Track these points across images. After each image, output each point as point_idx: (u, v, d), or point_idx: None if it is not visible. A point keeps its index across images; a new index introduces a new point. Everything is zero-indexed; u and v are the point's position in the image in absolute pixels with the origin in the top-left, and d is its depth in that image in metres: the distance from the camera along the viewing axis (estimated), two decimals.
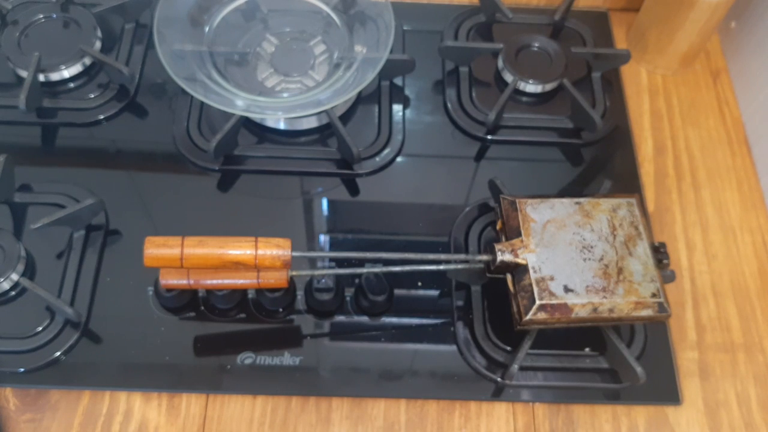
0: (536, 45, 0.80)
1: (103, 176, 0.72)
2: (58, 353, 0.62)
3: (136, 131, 0.76)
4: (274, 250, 0.57)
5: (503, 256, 0.59)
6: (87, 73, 0.78)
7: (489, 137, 0.77)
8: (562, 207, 0.62)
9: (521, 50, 0.80)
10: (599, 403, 0.63)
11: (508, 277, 0.60)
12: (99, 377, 0.62)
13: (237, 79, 0.76)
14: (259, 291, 0.63)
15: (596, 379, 0.63)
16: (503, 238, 0.62)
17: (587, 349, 0.64)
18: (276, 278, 0.59)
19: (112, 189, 0.71)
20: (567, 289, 0.58)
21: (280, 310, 0.65)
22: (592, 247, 0.60)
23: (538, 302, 0.57)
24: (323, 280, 0.64)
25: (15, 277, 0.64)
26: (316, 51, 0.79)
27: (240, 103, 0.71)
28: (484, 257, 0.60)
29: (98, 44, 0.79)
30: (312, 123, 0.75)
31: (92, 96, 0.77)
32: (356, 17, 0.79)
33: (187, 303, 0.65)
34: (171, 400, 0.61)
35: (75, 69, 0.77)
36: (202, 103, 0.73)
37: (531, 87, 0.78)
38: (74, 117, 0.76)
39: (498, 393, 0.62)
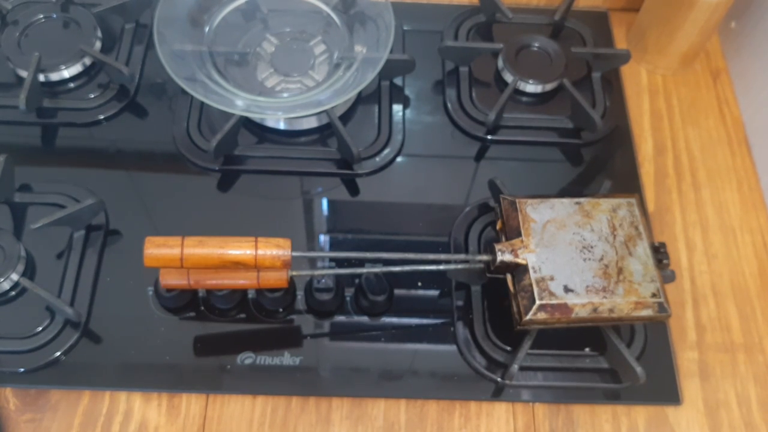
0: (536, 45, 0.80)
1: (103, 176, 0.72)
2: (58, 353, 0.62)
3: (136, 131, 0.76)
4: (274, 250, 0.57)
5: (503, 256, 0.59)
6: (87, 73, 0.78)
7: (489, 137, 0.77)
8: (562, 207, 0.62)
9: (521, 50, 0.80)
10: (599, 403, 0.63)
11: (508, 277, 0.60)
12: (99, 377, 0.62)
13: (237, 79, 0.76)
14: (259, 291, 0.63)
15: (596, 379, 0.63)
16: (503, 238, 0.62)
17: (587, 349, 0.64)
18: (276, 278, 0.59)
19: (112, 189, 0.71)
20: (567, 289, 0.58)
21: (280, 310, 0.65)
22: (592, 247, 0.60)
23: (538, 302, 0.57)
24: (323, 280, 0.64)
25: (15, 277, 0.64)
26: (316, 51, 0.79)
27: (240, 103, 0.71)
28: (484, 257, 0.60)
29: (98, 44, 0.79)
30: (312, 123, 0.75)
31: (92, 96, 0.77)
32: (356, 17, 0.79)
33: (187, 303, 0.65)
34: (171, 400, 0.61)
35: (75, 69, 0.77)
36: (202, 103, 0.73)
37: (531, 87, 0.78)
38: (74, 117, 0.76)
39: (498, 393, 0.62)
